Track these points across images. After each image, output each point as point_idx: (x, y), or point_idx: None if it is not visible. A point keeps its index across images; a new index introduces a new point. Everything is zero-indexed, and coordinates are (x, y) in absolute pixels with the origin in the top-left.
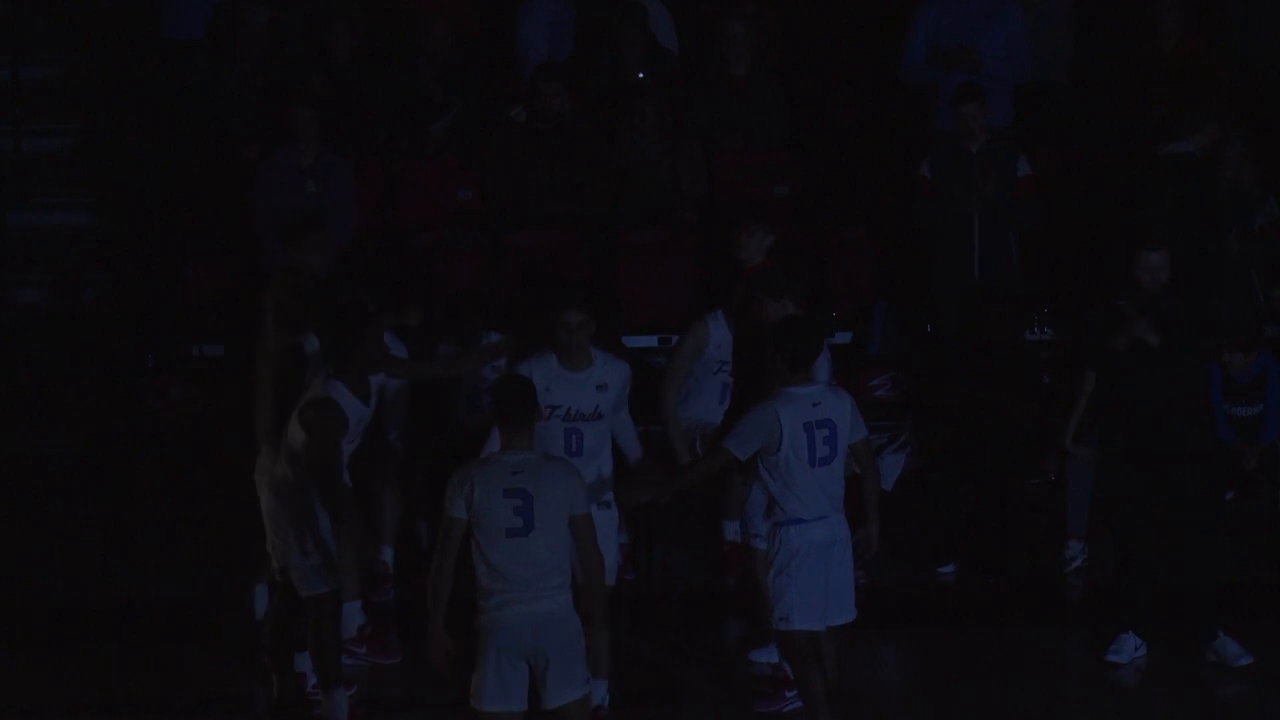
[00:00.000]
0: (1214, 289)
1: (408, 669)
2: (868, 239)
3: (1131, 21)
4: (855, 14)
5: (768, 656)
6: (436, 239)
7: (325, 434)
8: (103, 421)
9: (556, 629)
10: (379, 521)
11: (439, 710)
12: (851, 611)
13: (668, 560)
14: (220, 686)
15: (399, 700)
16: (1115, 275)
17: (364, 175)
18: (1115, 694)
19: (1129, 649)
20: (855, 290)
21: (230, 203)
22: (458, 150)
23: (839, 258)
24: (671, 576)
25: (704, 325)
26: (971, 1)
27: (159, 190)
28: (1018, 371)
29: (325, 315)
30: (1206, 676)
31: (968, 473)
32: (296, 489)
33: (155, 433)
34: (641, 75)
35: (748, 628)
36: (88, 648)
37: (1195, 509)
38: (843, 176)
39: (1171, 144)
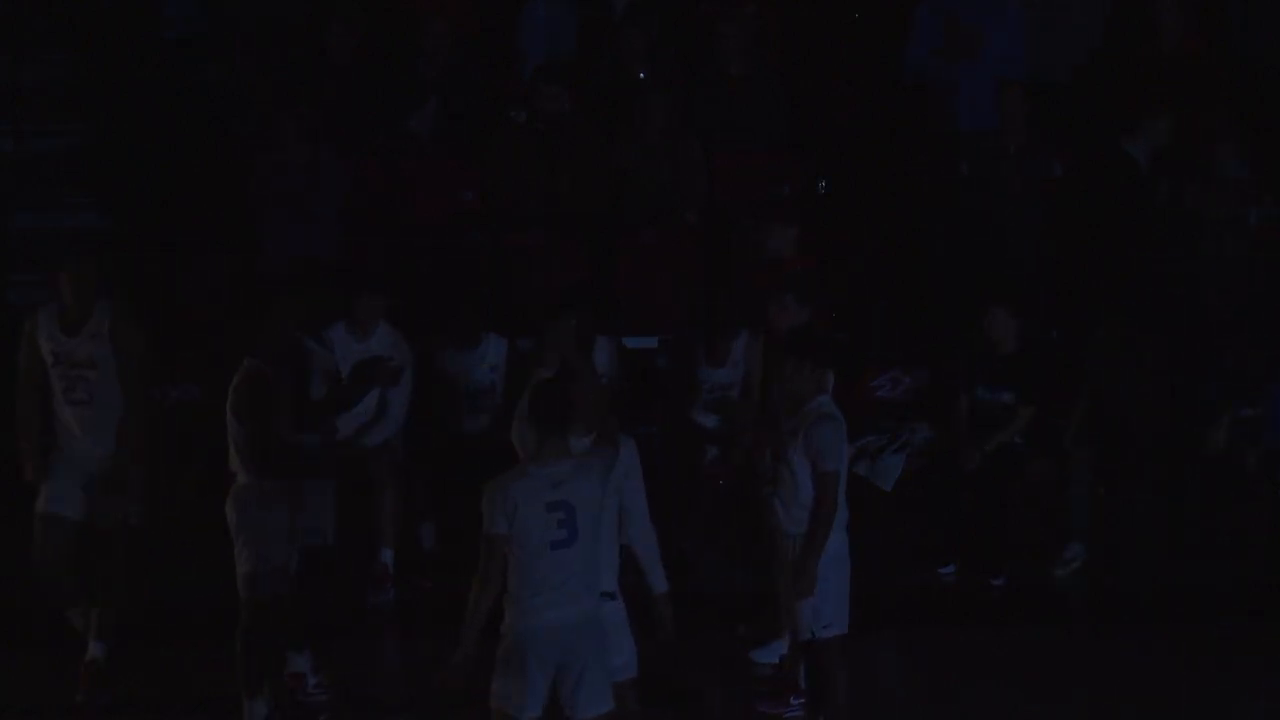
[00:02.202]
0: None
1: (408, 669)
2: (869, 239)
3: (1131, 21)
4: (855, 14)
5: (769, 657)
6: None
7: (252, 407)
8: None
9: (592, 633)
10: (379, 522)
11: (439, 710)
12: None
13: (669, 561)
14: (220, 686)
15: (399, 700)
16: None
17: (364, 175)
18: (1116, 694)
19: None
20: (856, 290)
21: (230, 202)
22: (457, 150)
23: (840, 258)
24: (672, 577)
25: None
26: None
27: (159, 190)
28: (1019, 371)
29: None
30: (1207, 676)
31: (967, 475)
32: (245, 491)
33: (155, 433)
34: (642, 75)
35: (750, 627)
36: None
37: None
38: (844, 176)
39: (1125, 142)
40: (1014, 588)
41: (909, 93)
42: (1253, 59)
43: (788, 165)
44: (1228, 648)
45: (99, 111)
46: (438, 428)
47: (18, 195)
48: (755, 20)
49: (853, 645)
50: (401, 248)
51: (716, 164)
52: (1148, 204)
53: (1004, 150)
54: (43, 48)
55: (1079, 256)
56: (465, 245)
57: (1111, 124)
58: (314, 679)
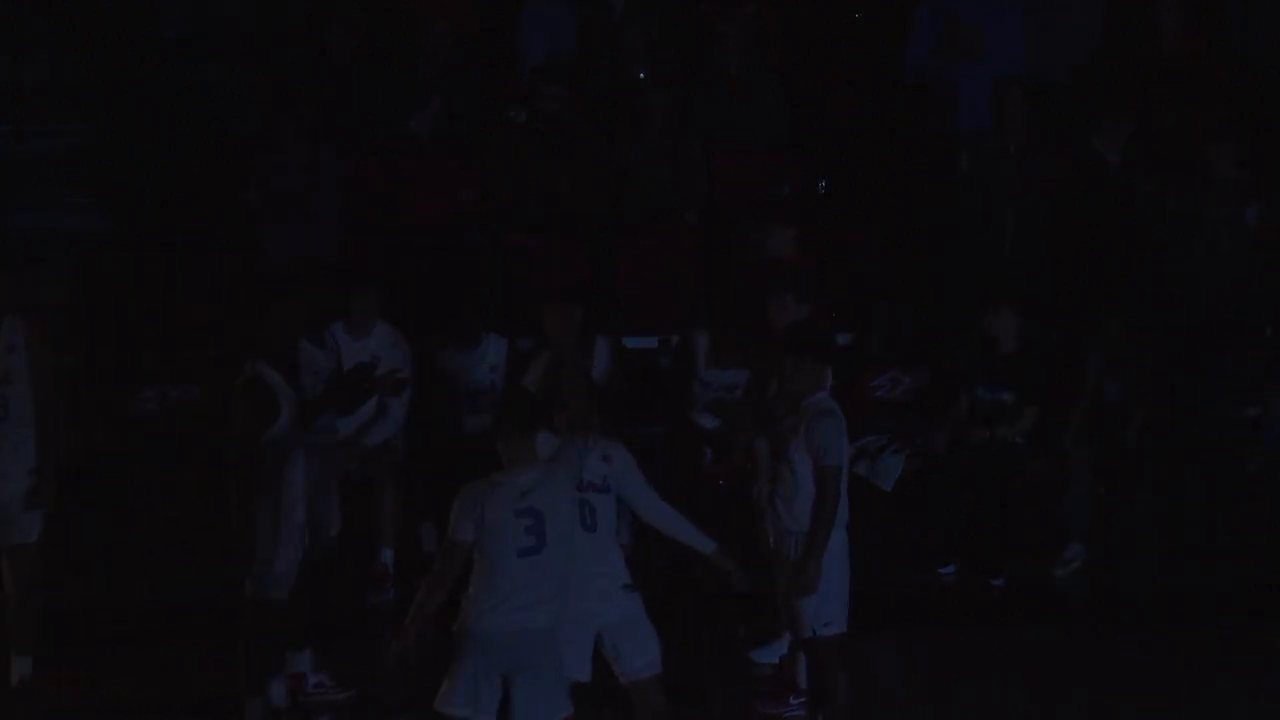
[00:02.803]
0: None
1: (407, 669)
2: (869, 239)
3: (1132, 21)
4: (855, 14)
5: (769, 657)
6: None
7: (248, 416)
8: (101, 422)
9: (551, 640)
10: (379, 522)
11: (438, 710)
12: None
13: (669, 559)
14: (220, 687)
15: (399, 700)
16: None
17: (364, 175)
18: (1116, 694)
19: None
20: (856, 290)
21: (230, 202)
22: (457, 150)
23: (839, 257)
24: (673, 576)
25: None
26: None
27: (159, 190)
28: (1019, 371)
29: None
30: (1207, 676)
31: (967, 475)
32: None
33: (155, 433)
34: (642, 75)
35: (750, 628)
36: (87, 648)
37: None
38: (844, 176)
39: (1096, 141)
40: (1014, 588)
41: (909, 93)
42: (1253, 59)
43: (788, 165)
44: (1228, 648)
45: (99, 111)
46: (438, 428)
47: (18, 195)
48: (755, 20)
49: (853, 645)
50: (401, 248)
51: (716, 164)
52: (1119, 202)
53: (1004, 150)
54: (43, 48)
55: (1079, 256)
56: (465, 245)
57: (1093, 123)
58: (314, 679)
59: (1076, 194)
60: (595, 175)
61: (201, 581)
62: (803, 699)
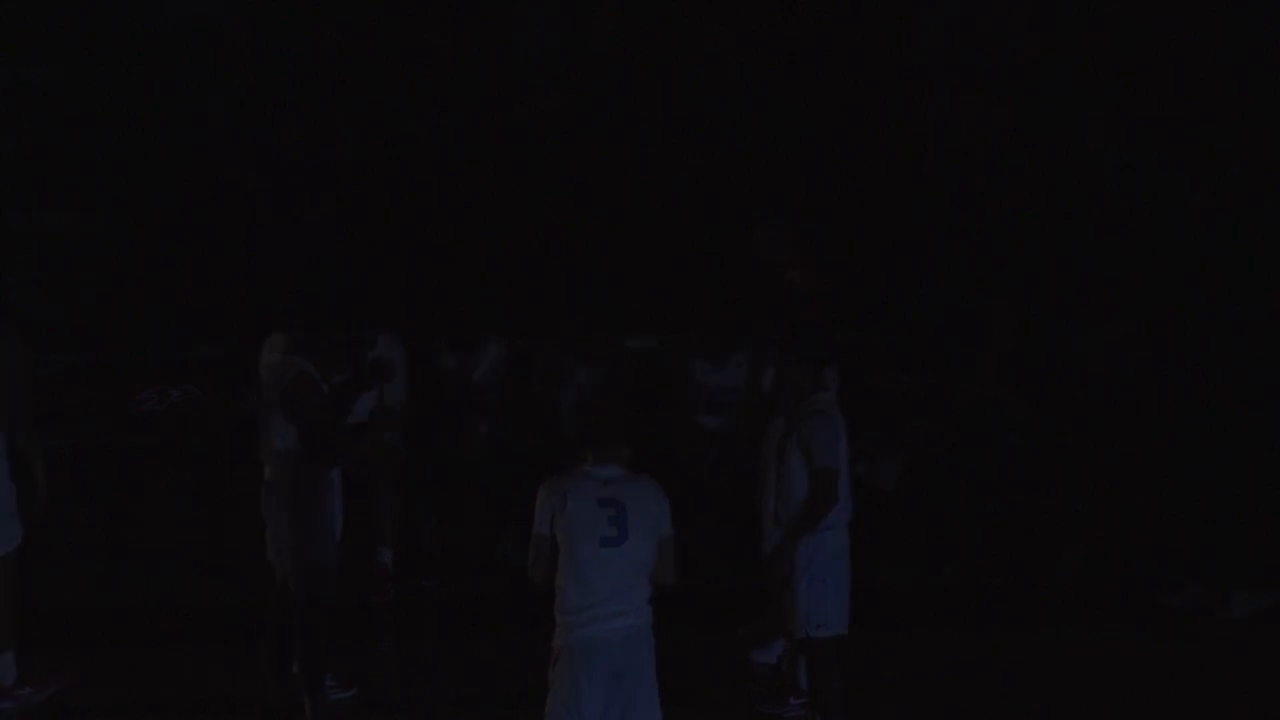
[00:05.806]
0: None
1: (408, 669)
2: (868, 240)
3: (1127, 17)
4: (854, 12)
5: (768, 657)
6: None
7: (313, 402)
8: (102, 422)
9: (645, 645)
10: (379, 522)
11: (439, 710)
12: None
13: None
14: (220, 687)
15: (399, 700)
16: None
17: (364, 175)
18: (1115, 694)
19: None
20: (856, 290)
21: (230, 203)
22: (457, 150)
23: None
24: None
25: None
26: None
27: (158, 190)
28: (1018, 371)
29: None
30: (1206, 676)
31: (967, 474)
32: (286, 490)
33: (155, 433)
34: (641, 74)
35: (750, 627)
36: (88, 648)
37: None
38: (844, 176)
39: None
40: (1014, 588)
41: (908, 92)
42: (1253, 59)
43: (787, 165)
44: (1228, 648)
45: (99, 111)
46: (438, 428)
47: (18, 195)
48: (755, 21)
49: (853, 645)
50: (401, 248)
51: (716, 164)
52: (1113, 199)
53: (1003, 150)
54: (42, 48)
55: (1076, 254)
56: (466, 245)
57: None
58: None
59: (1069, 191)
60: (595, 176)
61: (201, 581)
62: (803, 699)
